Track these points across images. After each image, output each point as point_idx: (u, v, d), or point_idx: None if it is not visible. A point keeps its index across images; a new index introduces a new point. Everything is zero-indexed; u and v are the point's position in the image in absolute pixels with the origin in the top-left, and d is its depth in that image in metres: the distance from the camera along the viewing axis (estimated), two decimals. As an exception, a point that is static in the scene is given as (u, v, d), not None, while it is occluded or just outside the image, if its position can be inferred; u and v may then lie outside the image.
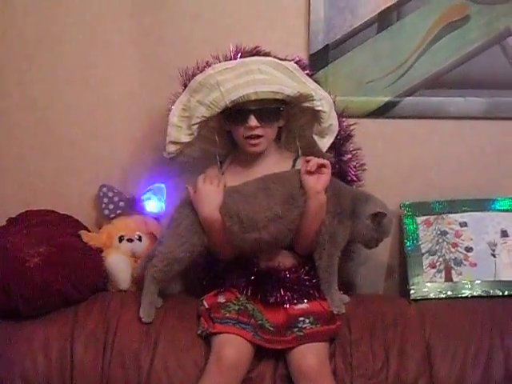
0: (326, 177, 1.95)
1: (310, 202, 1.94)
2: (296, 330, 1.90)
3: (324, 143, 2.06)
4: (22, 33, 2.24)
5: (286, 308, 1.96)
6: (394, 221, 2.03)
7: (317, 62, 2.18)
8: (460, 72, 2.19)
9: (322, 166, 1.94)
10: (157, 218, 2.25)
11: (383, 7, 2.15)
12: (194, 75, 2.02)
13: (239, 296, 1.98)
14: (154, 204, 2.26)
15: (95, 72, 2.27)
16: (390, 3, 2.15)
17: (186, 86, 2.03)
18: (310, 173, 1.94)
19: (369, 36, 2.18)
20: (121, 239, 2.18)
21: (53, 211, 2.23)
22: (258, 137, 1.98)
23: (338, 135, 2.09)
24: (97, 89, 2.28)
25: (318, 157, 2.03)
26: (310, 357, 1.86)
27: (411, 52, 2.18)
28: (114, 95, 2.28)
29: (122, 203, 2.25)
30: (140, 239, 2.19)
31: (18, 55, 2.26)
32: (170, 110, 2.03)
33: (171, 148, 2.03)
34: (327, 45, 2.18)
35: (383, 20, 2.16)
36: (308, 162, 1.95)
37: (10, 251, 1.98)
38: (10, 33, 2.24)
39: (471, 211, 2.21)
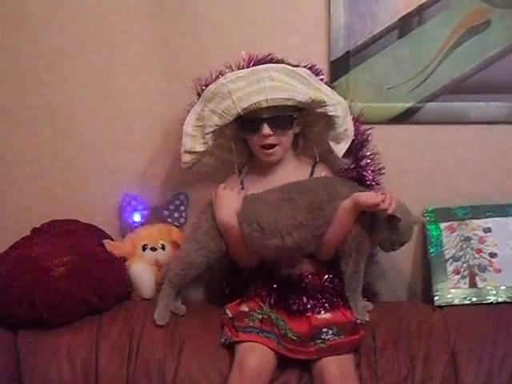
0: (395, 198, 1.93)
1: (348, 211, 1.93)
2: (319, 341, 1.89)
3: (340, 149, 2.06)
4: (42, 44, 2.26)
5: (309, 317, 1.95)
6: (414, 227, 2.00)
7: (338, 69, 2.18)
8: (481, 77, 2.18)
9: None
10: (180, 226, 2.25)
11: (404, 13, 2.15)
12: (207, 84, 2.04)
13: (262, 305, 1.98)
14: (175, 213, 2.26)
15: (115, 82, 2.28)
16: (411, 9, 2.15)
17: (199, 95, 2.05)
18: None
19: (390, 42, 2.17)
20: (144, 248, 2.18)
21: (76, 221, 2.24)
22: (273, 146, 1.98)
23: (355, 140, 2.09)
24: (117, 99, 2.29)
25: (334, 164, 2.08)
26: (332, 368, 1.85)
27: (432, 57, 2.17)
28: (134, 105, 2.29)
29: (145, 212, 2.26)
30: (163, 248, 2.19)
31: (38, 66, 2.27)
32: (184, 119, 2.05)
33: (186, 158, 2.05)
34: (348, 51, 2.17)
35: (404, 26, 2.16)
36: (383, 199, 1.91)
37: (35, 261, 1.99)
38: (31, 44, 2.26)
39: (495, 216, 2.19)
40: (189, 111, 2.05)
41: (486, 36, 2.16)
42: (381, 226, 1.94)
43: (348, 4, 2.14)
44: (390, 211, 1.89)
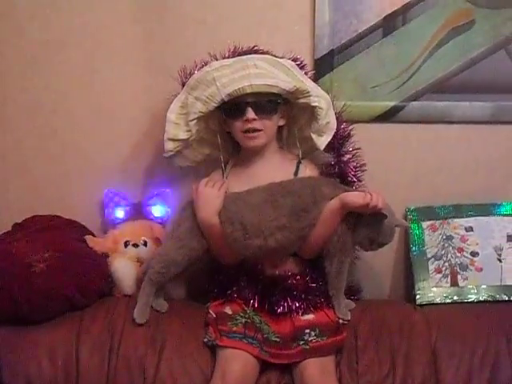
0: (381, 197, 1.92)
1: (335, 212, 1.93)
2: (302, 342, 1.90)
3: (322, 141, 2.05)
4: (26, 38, 2.24)
5: (292, 318, 1.95)
6: (395, 229, 1.99)
7: (322, 67, 2.18)
8: (465, 77, 2.19)
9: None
10: (162, 222, 2.25)
11: (388, 12, 2.15)
12: (192, 74, 2.04)
13: (246, 308, 1.97)
14: (159, 209, 2.26)
15: (99, 77, 2.27)
16: (395, 8, 2.15)
17: (184, 85, 2.05)
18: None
19: (374, 41, 2.17)
20: (126, 244, 2.17)
21: (58, 216, 2.23)
22: (256, 130, 1.98)
23: (337, 135, 2.08)
24: (101, 94, 2.28)
25: (318, 160, 2.08)
26: (312, 368, 1.86)
27: (416, 57, 2.18)
28: (118, 100, 2.28)
29: (127, 208, 2.25)
30: (145, 244, 2.18)
31: (21, 60, 2.25)
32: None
33: (169, 145, 2.03)
34: (332, 49, 2.17)
35: (388, 25, 2.16)
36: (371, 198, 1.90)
37: (16, 256, 1.98)
38: (14, 38, 2.24)
39: (477, 216, 2.21)
40: (173, 101, 2.04)
41: (470, 36, 2.17)
42: (363, 223, 1.93)
43: (333, 2, 2.14)
44: (379, 206, 1.88)
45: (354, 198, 1.91)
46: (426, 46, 2.17)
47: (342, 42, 2.17)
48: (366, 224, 1.92)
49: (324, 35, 2.16)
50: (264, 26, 2.20)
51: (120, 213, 2.25)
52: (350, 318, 1.98)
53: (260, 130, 1.98)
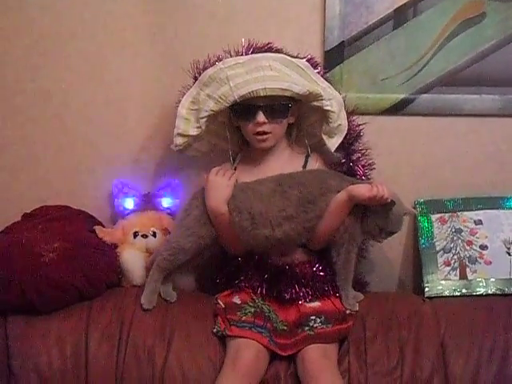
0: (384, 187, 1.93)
1: (342, 204, 1.93)
2: (307, 328, 1.92)
3: (332, 143, 2.07)
4: (36, 30, 2.24)
5: (299, 305, 1.96)
6: (404, 218, 1.99)
7: (332, 59, 2.18)
8: (475, 69, 2.19)
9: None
10: (171, 213, 2.25)
11: (399, 4, 2.15)
12: (204, 69, 2.03)
13: (254, 297, 1.98)
14: (168, 200, 2.26)
15: (110, 69, 2.27)
16: (406, 0, 2.14)
17: (196, 79, 2.04)
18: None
19: (384, 33, 2.17)
20: (135, 235, 2.17)
21: (68, 207, 2.24)
22: (266, 133, 1.98)
23: (347, 134, 2.09)
24: (111, 86, 2.28)
25: (327, 156, 2.07)
26: (313, 352, 1.87)
27: (427, 49, 2.17)
28: (128, 92, 2.28)
29: (136, 199, 2.26)
30: (154, 235, 2.18)
31: (32, 52, 2.26)
32: (179, 102, 2.03)
33: (179, 140, 2.04)
34: (342, 41, 2.17)
35: (399, 17, 2.16)
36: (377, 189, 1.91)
37: (26, 246, 1.99)
38: (25, 29, 2.24)
39: (486, 209, 2.21)
40: (182, 94, 2.04)
41: (480, 28, 2.16)
42: (372, 212, 1.93)
43: (343, -6, 2.14)
44: (386, 196, 1.89)
45: (361, 190, 1.91)
46: (436, 39, 2.17)
47: (353, 33, 2.17)
48: (375, 212, 1.93)
49: (334, 27, 2.16)
50: (274, 18, 2.19)
51: (129, 203, 2.25)
52: (357, 308, 1.99)
53: (269, 133, 1.98)
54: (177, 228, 2.04)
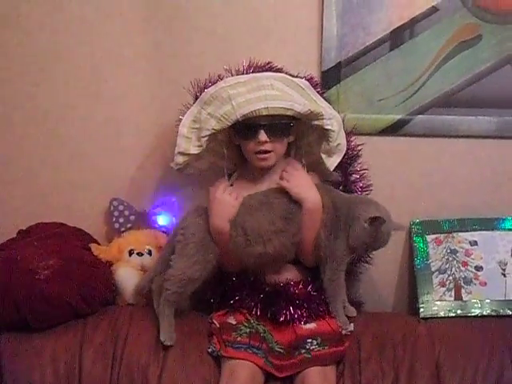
0: (295, 176, 1.96)
1: (303, 210, 1.94)
2: (304, 351, 1.91)
3: (331, 162, 2.07)
4: (35, 46, 2.25)
5: (294, 327, 1.95)
6: (391, 233, 1.96)
7: (329, 80, 2.19)
8: (471, 91, 2.19)
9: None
10: (167, 231, 2.24)
11: (396, 25, 2.16)
12: (205, 87, 2.03)
13: (249, 318, 1.97)
14: (164, 218, 2.26)
15: (107, 86, 2.27)
16: (403, 22, 2.16)
17: (197, 97, 2.04)
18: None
19: (381, 54, 2.18)
20: (131, 253, 2.18)
21: (63, 224, 2.24)
22: (267, 152, 1.98)
23: (345, 155, 2.09)
24: (108, 103, 2.29)
25: (325, 175, 2.07)
26: (314, 377, 1.86)
27: (423, 70, 2.18)
28: (125, 109, 2.29)
29: (132, 217, 2.26)
30: (150, 253, 2.18)
31: (30, 68, 2.26)
32: (179, 120, 2.03)
33: (179, 159, 2.03)
34: (339, 62, 2.18)
35: (396, 38, 2.17)
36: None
37: (20, 263, 1.98)
38: (24, 46, 2.25)
39: (481, 230, 2.20)
40: (182, 113, 2.04)
41: (476, 51, 2.17)
42: (363, 229, 1.90)
43: (341, 15, 2.15)
44: (284, 184, 1.94)
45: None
46: (432, 60, 2.18)
47: (350, 54, 2.18)
48: (363, 229, 1.90)
49: (331, 48, 2.17)
50: (272, 38, 2.20)
51: (125, 221, 2.26)
52: (352, 328, 1.98)
53: (271, 152, 1.98)
54: (178, 261, 1.97)
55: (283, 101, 1.92)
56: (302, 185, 1.96)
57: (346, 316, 2.00)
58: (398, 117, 2.21)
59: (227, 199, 1.97)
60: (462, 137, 2.24)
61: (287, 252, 1.96)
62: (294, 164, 2.02)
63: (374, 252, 2.05)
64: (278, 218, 1.93)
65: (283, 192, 1.97)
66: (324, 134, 2.01)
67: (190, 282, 1.96)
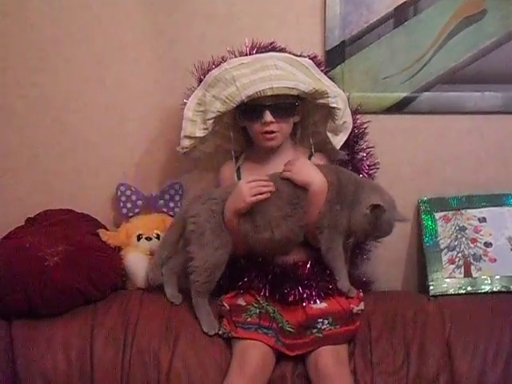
0: (296, 165, 1.95)
1: (309, 193, 1.92)
2: (315, 330, 1.91)
3: (338, 140, 2.06)
4: (36, 34, 2.24)
5: (305, 307, 1.95)
6: (394, 224, 1.94)
7: (333, 59, 2.18)
8: (477, 67, 2.18)
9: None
10: (174, 215, 2.24)
11: (399, 2, 2.14)
12: (209, 70, 2.02)
13: (259, 298, 1.97)
14: (171, 202, 2.26)
15: (110, 72, 2.27)
16: (406, -2, 2.15)
17: (201, 80, 2.03)
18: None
19: (385, 32, 2.16)
20: (139, 238, 2.18)
21: (71, 210, 2.24)
22: (274, 132, 1.97)
23: (351, 133, 2.08)
24: (112, 89, 2.28)
25: (332, 154, 2.05)
26: (327, 357, 1.87)
27: (428, 47, 2.17)
28: (128, 95, 2.28)
29: (139, 202, 2.26)
30: (158, 237, 2.18)
31: (33, 55, 2.26)
32: (184, 104, 2.03)
33: (186, 142, 2.03)
34: (343, 41, 2.17)
35: (399, 15, 2.15)
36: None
37: (29, 251, 1.99)
38: (26, 33, 2.24)
39: (490, 206, 2.20)
40: (187, 96, 2.03)
41: (481, 26, 2.16)
42: (363, 215, 1.89)
43: (344, -7, 2.14)
44: (287, 175, 1.92)
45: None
46: (437, 37, 2.16)
47: (353, 33, 2.17)
48: (367, 219, 1.89)
49: (335, 26, 2.16)
50: (275, 19, 2.19)
51: (132, 206, 2.25)
52: (362, 307, 1.96)
53: (277, 132, 1.97)
54: (198, 251, 1.96)
55: (288, 80, 1.91)
56: (305, 170, 1.95)
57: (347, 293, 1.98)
58: (404, 94, 2.20)
59: (243, 191, 1.91)
60: (468, 113, 2.23)
61: (295, 236, 1.96)
62: (296, 155, 2.01)
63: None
64: (285, 203, 1.93)
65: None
66: (329, 112, 2.00)
67: (216, 268, 1.96)
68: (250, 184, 1.92)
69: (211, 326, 1.96)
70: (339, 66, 2.18)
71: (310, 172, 1.95)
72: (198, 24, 2.21)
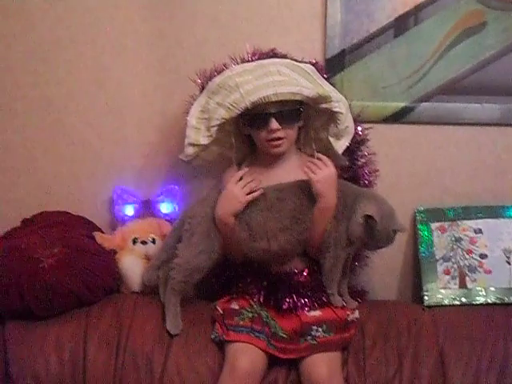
0: (323, 172, 1.94)
1: (316, 206, 1.93)
2: (309, 338, 1.91)
3: (340, 145, 2.06)
4: (38, 35, 2.25)
5: (299, 314, 1.95)
6: (392, 235, 1.93)
7: (333, 67, 2.18)
8: (476, 78, 2.19)
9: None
10: (170, 220, 2.24)
11: (400, 12, 2.15)
12: (211, 77, 2.02)
13: (252, 303, 1.98)
14: (167, 206, 2.26)
15: (110, 74, 2.27)
16: (407, 9, 2.15)
17: (203, 88, 2.03)
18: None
19: (385, 41, 2.17)
20: (134, 241, 2.18)
21: (67, 213, 2.24)
22: (280, 138, 1.97)
23: (353, 139, 2.09)
24: (111, 91, 2.28)
25: (333, 160, 2.04)
26: (320, 365, 1.86)
27: (428, 58, 2.18)
28: (128, 98, 2.28)
29: (136, 205, 2.26)
30: (154, 241, 2.18)
31: (33, 57, 2.26)
32: (187, 112, 2.02)
33: (190, 150, 2.02)
34: (343, 49, 2.18)
35: (400, 25, 2.16)
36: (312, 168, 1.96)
37: (25, 252, 1.99)
38: (26, 35, 2.25)
39: (486, 218, 2.20)
40: (189, 104, 2.03)
41: (481, 38, 2.16)
42: (357, 224, 1.90)
43: (344, 2, 2.14)
44: (310, 175, 1.92)
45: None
46: (437, 47, 2.17)
47: (354, 41, 2.17)
48: (358, 224, 1.90)
49: (335, 35, 2.17)
50: (276, 25, 2.19)
51: (129, 210, 2.25)
52: (357, 315, 1.98)
53: (284, 138, 1.97)
54: (184, 250, 1.98)
55: (291, 86, 1.91)
56: (328, 182, 1.94)
57: (346, 307, 1.99)
58: (403, 104, 2.21)
59: (236, 193, 1.94)
60: (467, 124, 2.23)
61: (293, 248, 1.96)
62: (325, 159, 1.99)
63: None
64: (286, 217, 1.93)
65: (297, 187, 1.96)
66: (332, 117, 2.00)
67: (196, 271, 1.96)
68: (239, 184, 1.94)
69: (175, 325, 1.96)
70: (339, 75, 2.19)
71: (329, 186, 1.94)
72: (199, 28, 2.22)
